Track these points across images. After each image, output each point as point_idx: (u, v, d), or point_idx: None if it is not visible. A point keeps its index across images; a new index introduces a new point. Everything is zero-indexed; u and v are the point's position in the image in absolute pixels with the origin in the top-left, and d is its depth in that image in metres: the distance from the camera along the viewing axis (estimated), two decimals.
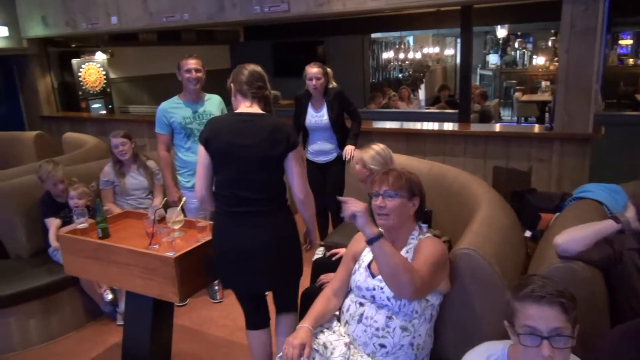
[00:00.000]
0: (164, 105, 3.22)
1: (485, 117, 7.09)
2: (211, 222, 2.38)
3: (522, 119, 10.35)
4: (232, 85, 2.16)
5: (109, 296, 3.15)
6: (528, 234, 2.36)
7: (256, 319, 2.28)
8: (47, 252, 3.19)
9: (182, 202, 2.47)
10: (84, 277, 2.68)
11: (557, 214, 2.33)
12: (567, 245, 1.65)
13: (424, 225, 1.88)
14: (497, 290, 1.76)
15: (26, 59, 6.98)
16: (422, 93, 11.67)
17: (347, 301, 1.87)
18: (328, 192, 3.87)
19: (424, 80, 11.85)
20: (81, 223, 2.43)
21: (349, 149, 3.66)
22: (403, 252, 1.78)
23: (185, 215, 2.54)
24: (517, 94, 10.73)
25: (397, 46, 9.20)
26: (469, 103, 5.84)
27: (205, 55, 3.40)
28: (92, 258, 2.30)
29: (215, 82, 3.38)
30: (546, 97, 10.13)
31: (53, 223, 3.08)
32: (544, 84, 10.83)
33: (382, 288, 1.72)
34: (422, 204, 1.86)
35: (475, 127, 4.76)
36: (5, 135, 5.69)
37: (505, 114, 11.45)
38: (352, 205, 1.62)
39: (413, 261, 1.71)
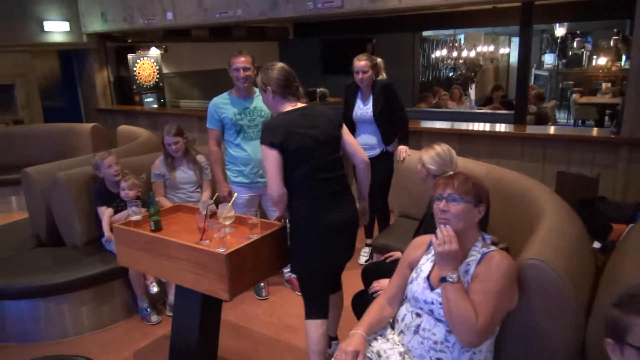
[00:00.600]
0: (216, 100, 3.21)
1: (542, 119, 6.77)
2: (262, 220, 2.37)
3: (579, 122, 9.88)
4: (268, 87, 2.25)
5: (155, 289, 3.18)
6: (597, 245, 2.20)
7: (321, 306, 2.36)
8: (101, 242, 3.26)
9: (233, 198, 2.45)
10: (136, 268, 2.71)
11: (631, 225, 2.15)
12: None
13: (489, 237, 1.76)
14: (567, 306, 1.63)
15: (85, 53, 7.25)
16: (472, 93, 11.34)
17: (403, 310, 1.79)
18: (373, 188, 3.74)
19: (475, 79, 11.51)
20: (135, 215, 2.45)
21: (402, 150, 3.56)
22: (463, 266, 1.68)
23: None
24: (574, 96, 10.23)
25: (449, 44, 8.95)
26: (526, 104, 5.59)
27: (254, 52, 3.38)
28: (144, 250, 2.31)
29: None
30: (606, 99, 9.63)
31: (105, 212, 3.15)
32: (604, 85, 10.27)
33: (440, 303, 1.62)
34: (488, 213, 1.75)
35: (533, 129, 4.54)
36: (63, 127, 5.92)
37: (561, 116, 10.95)
38: (448, 243, 1.62)
39: (475, 288, 1.60)
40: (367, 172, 2.44)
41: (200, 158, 3.58)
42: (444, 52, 8.32)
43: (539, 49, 12.93)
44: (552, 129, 4.65)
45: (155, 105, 7.84)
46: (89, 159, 3.63)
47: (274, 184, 2.18)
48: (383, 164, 3.66)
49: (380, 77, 3.56)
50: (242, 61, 3.12)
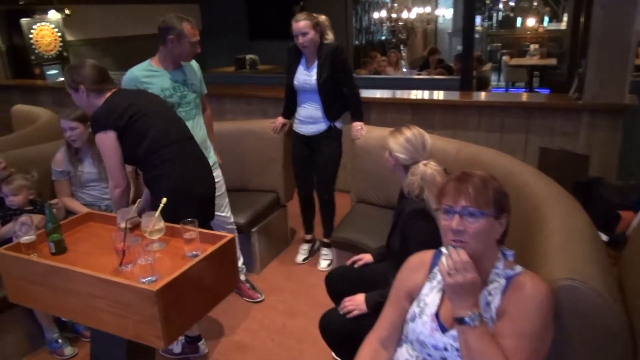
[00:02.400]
0: (135, 72, 2.54)
1: (482, 83, 6.59)
2: (201, 230, 1.84)
3: (510, 84, 9.97)
4: (81, 86, 2.11)
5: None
6: (604, 238, 1.88)
7: None
8: None
9: (162, 203, 1.88)
10: (34, 307, 2.09)
11: None
12: None
13: (510, 252, 1.35)
14: (613, 334, 1.28)
15: None
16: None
17: (403, 353, 1.36)
18: (318, 175, 3.24)
19: (407, 43, 11.23)
20: (26, 235, 1.82)
21: (357, 127, 3.10)
22: (483, 297, 1.26)
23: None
24: (505, 58, 10.26)
25: (388, 6, 8.48)
26: (472, 69, 5.32)
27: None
28: (42, 285, 1.72)
29: None
30: (535, 61, 9.74)
31: None
32: (532, 47, 10.37)
33: (458, 350, 1.21)
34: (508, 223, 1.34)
35: (492, 97, 4.26)
36: None
37: (492, 79, 10.99)
38: (463, 272, 1.20)
39: (505, 329, 1.20)
40: None
41: None
42: (383, 13, 7.84)
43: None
44: (514, 96, 4.39)
45: (61, 79, 6.80)
46: None
47: (117, 176, 2.12)
48: (328, 144, 3.13)
49: (327, 39, 3.01)
50: (198, 34, 2.53)
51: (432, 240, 1.72)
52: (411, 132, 2.04)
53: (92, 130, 2.12)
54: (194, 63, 2.71)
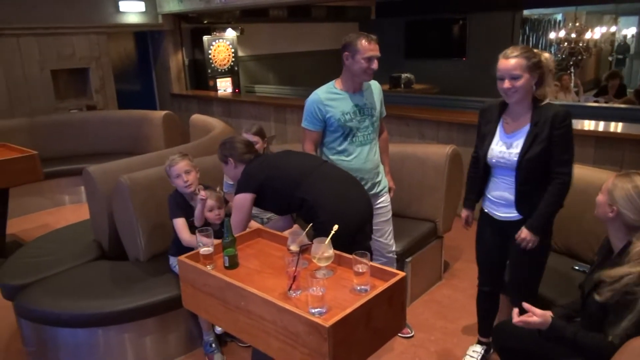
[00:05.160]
0: (321, 95, 2.54)
1: None
2: (372, 264, 1.74)
3: None
4: (230, 159, 2.38)
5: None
6: None
7: None
8: (168, 258, 2.76)
9: (333, 230, 1.83)
10: (205, 317, 2.18)
11: None
12: None
13: None
14: None
15: (161, 34, 6.94)
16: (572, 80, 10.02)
17: None
18: (512, 268, 2.31)
19: (579, 65, 10.17)
20: (205, 246, 1.90)
21: (524, 237, 2.10)
22: None
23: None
24: None
25: (568, 25, 7.73)
26: None
27: (333, 33, 2.78)
28: (215, 298, 1.77)
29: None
30: None
31: (186, 227, 2.54)
32: None
33: None
34: None
35: None
36: (136, 114, 5.61)
37: None
38: None
39: None
40: None
41: None
42: (561, 33, 7.19)
43: None
44: None
45: (230, 90, 7.42)
46: (159, 157, 3.19)
47: (240, 229, 2.24)
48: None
49: (544, 92, 2.05)
50: (377, 49, 2.46)
51: None
52: None
53: (236, 191, 2.29)
54: (375, 85, 2.65)
